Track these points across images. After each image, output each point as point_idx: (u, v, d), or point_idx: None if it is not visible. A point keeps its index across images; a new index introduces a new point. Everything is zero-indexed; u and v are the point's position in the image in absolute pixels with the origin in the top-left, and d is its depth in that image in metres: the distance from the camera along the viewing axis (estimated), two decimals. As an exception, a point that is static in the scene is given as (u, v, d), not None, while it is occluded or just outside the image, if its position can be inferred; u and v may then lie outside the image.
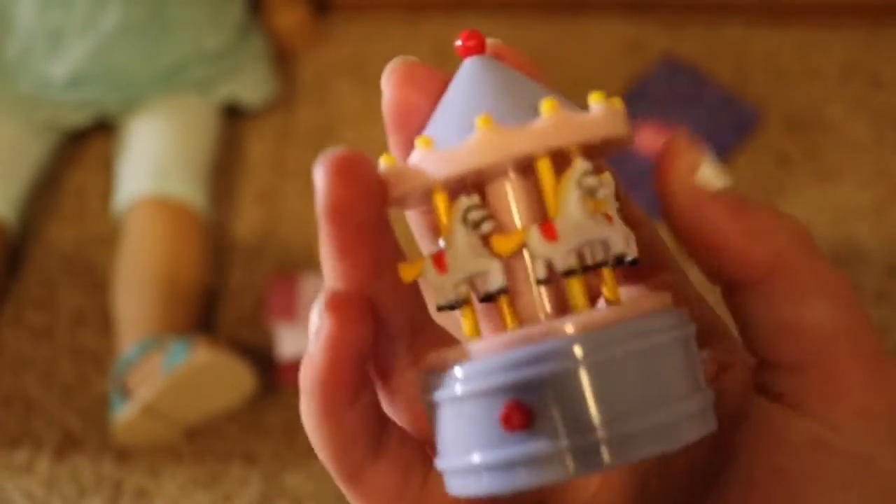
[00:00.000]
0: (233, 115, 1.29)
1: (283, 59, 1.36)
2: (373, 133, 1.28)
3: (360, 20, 1.40)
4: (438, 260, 0.23)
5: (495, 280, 0.23)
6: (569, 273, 0.22)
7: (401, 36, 1.37)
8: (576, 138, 0.22)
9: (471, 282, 0.23)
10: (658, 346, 0.22)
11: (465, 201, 0.23)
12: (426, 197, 0.24)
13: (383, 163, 0.25)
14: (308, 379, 0.23)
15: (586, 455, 0.21)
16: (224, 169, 1.25)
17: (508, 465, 0.21)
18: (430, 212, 0.25)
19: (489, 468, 0.22)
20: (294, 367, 1.05)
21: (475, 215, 0.23)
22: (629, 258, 0.23)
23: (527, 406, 0.21)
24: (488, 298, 0.23)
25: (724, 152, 1.23)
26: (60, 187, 1.24)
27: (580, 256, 0.23)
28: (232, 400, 1.02)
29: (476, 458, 0.22)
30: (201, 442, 1.03)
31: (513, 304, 0.23)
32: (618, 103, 0.23)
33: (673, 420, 0.21)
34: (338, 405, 0.23)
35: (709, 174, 0.24)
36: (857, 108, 1.28)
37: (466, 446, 0.22)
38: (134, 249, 1.10)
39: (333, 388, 0.23)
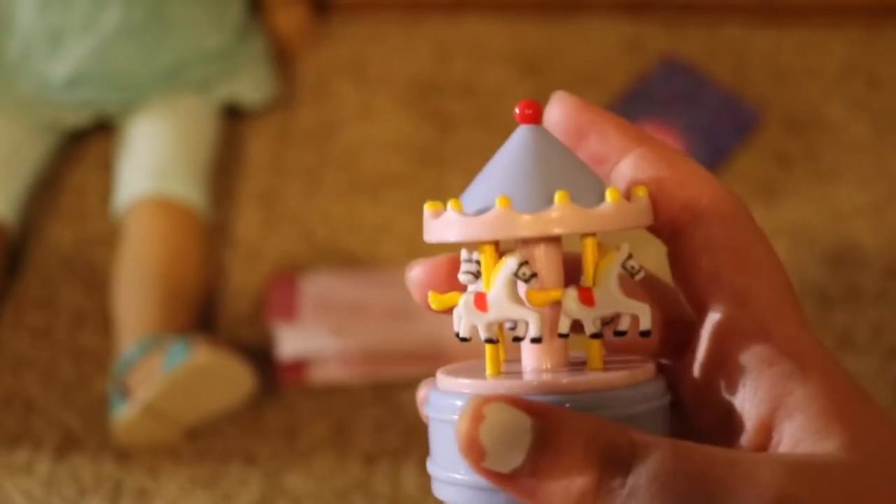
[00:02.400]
0: (233, 115, 1.29)
1: (283, 59, 1.35)
2: (373, 133, 1.28)
3: (360, 20, 1.40)
4: (479, 300, 0.27)
5: (534, 329, 0.26)
6: (594, 336, 0.27)
7: (401, 36, 1.37)
8: (626, 225, 0.26)
9: (502, 325, 0.27)
10: (639, 414, 0.25)
11: (517, 258, 0.26)
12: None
13: (429, 208, 0.28)
14: None
15: None
16: (224, 169, 1.25)
17: (483, 489, 0.24)
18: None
19: (469, 486, 0.25)
20: (294, 367, 1.05)
21: (525, 271, 0.26)
22: (645, 328, 0.27)
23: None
24: (517, 338, 0.27)
25: (724, 152, 1.24)
26: (60, 187, 1.24)
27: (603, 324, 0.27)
28: (232, 400, 1.02)
29: (460, 475, 0.25)
30: (201, 442, 1.03)
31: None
32: (643, 193, 0.27)
33: None
34: None
35: None
36: (856, 109, 1.28)
37: (453, 463, 0.25)
38: (134, 249, 1.10)
39: None
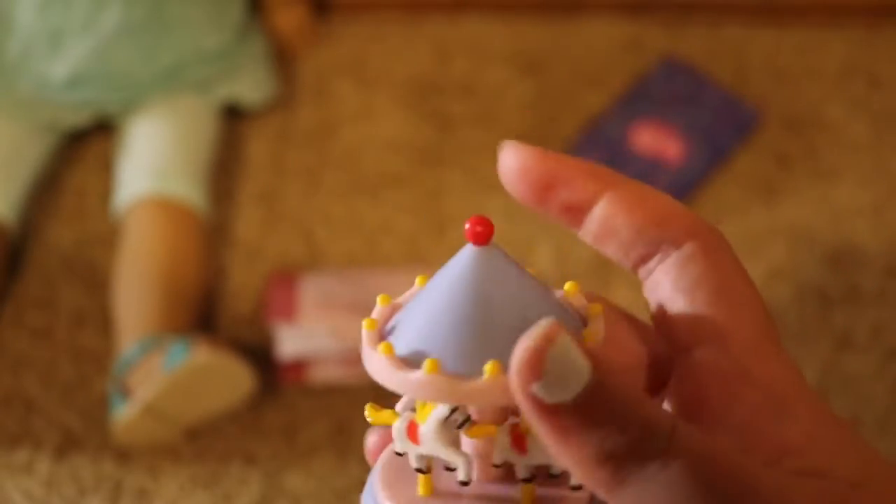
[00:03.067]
0: (233, 115, 1.29)
1: (283, 59, 1.35)
2: (373, 133, 1.28)
3: (360, 20, 1.40)
4: (411, 430, 0.27)
5: (462, 473, 0.27)
6: (525, 480, 0.27)
7: (401, 36, 1.37)
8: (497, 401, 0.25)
9: (434, 459, 0.27)
10: None
11: (448, 405, 0.26)
12: None
13: (365, 328, 0.29)
14: None
15: None
16: (224, 169, 1.25)
17: None
18: None
19: None
20: (294, 367, 1.06)
21: (458, 418, 0.26)
22: (574, 485, 0.27)
23: None
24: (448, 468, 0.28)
25: (724, 152, 1.24)
26: (60, 187, 1.24)
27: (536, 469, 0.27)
28: (232, 400, 1.02)
29: None
30: (201, 442, 1.03)
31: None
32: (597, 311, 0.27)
33: None
34: None
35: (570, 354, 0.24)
36: (856, 109, 1.28)
37: None
38: (134, 249, 1.10)
39: None
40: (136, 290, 1.06)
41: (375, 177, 1.24)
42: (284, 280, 1.11)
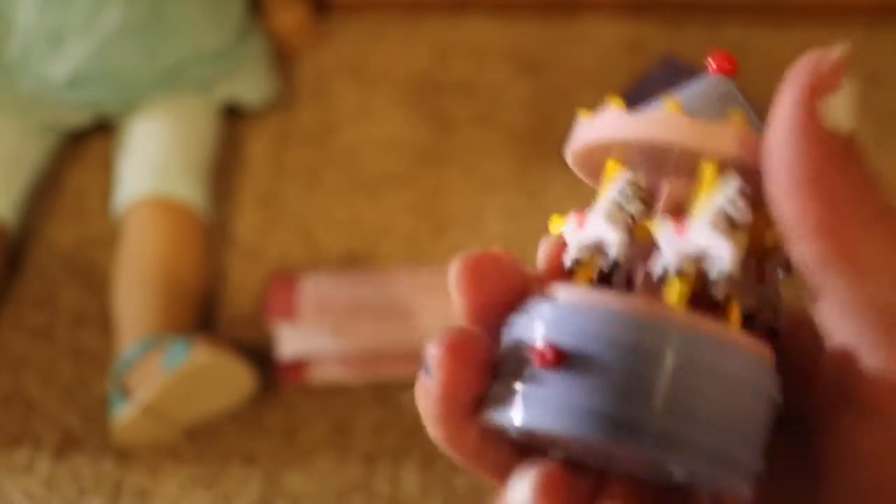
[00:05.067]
0: (233, 115, 1.29)
1: (283, 59, 1.36)
2: (373, 133, 1.28)
3: (360, 20, 1.40)
4: (580, 216, 0.24)
5: (612, 250, 0.23)
6: (679, 273, 0.22)
7: (401, 36, 1.37)
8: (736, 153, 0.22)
9: (598, 248, 0.23)
10: (749, 388, 0.21)
11: (628, 175, 0.23)
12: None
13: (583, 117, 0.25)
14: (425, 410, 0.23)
15: (626, 428, 0.21)
16: (224, 169, 1.25)
17: (547, 403, 0.21)
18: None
19: (527, 399, 0.22)
20: (294, 367, 1.05)
21: (630, 190, 0.23)
22: (722, 270, 0.22)
23: (561, 350, 0.21)
24: (604, 278, 0.24)
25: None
26: (60, 187, 1.24)
27: (698, 267, 0.22)
28: (232, 400, 1.02)
29: (518, 386, 0.22)
30: (201, 442, 1.03)
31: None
32: None
33: (725, 457, 0.21)
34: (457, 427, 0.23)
35: (842, 111, 0.21)
36: (856, 108, 1.28)
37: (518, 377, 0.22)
38: (134, 250, 1.10)
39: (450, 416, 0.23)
40: (135, 289, 1.06)
41: (375, 177, 1.24)
42: (284, 280, 1.11)
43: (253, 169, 1.26)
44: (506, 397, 0.22)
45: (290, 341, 1.05)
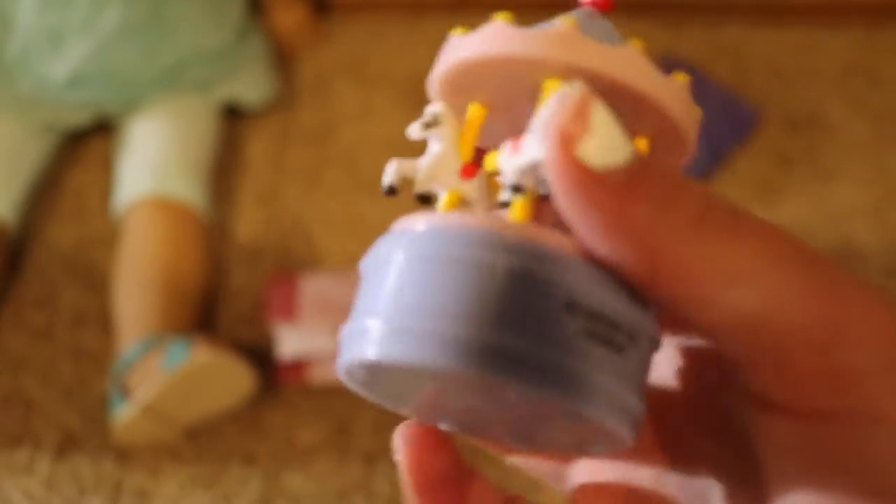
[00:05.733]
0: (233, 115, 1.29)
1: (283, 59, 1.36)
2: (373, 133, 1.28)
3: (360, 20, 1.40)
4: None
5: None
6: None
7: (401, 36, 1.37)
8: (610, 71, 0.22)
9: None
10: (485, 266, 0.20)
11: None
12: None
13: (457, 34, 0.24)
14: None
15: (359, 339, 0.22)
16: (224, 169, 1.25)
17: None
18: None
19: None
20: (294, 367, 1.05)
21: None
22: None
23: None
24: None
25: (724, 152, 1.24)
26: (60, 187, 1.24)
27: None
28: (232, 400, 1.02)
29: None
30: (201, 442, 1.03)
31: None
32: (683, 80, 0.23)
33: (447, 338, 0.20)
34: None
35: (605, 142, 0.19)
36: (856, 109, 1.28)
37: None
38: (134, 250, 1.10)
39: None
40: (135, 289, 1.06)
41: (375, 177, 1.24)
42: (284, 280, 1.11)
43: (253, 169, 1.26)
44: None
45: (290, 341, 1.05)
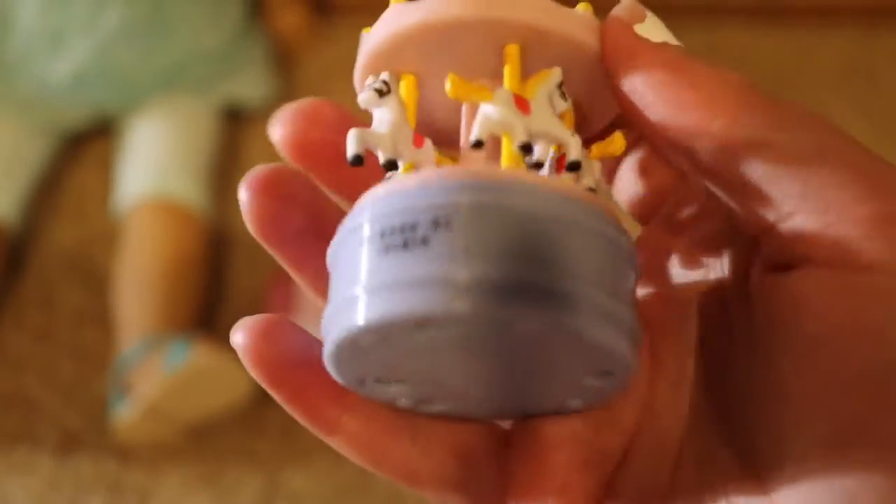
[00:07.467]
0: (233, 116, 1.29)
1: (283, 60, 1.36)
2: (373, 133, 1.28)
3: (360, 20, 1.39)
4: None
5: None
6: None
7: (401, 36, 1.37)
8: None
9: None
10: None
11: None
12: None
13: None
14: None
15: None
16: (224, 169, 1.25)
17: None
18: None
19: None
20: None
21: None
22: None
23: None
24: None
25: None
26: (60, 187, 1.24)
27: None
28: (232, 400, 1.02)
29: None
30: (202, 441, 1.03)
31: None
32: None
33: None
34: None
35: (654, 30, 0.23)
36: (856, 109, 1.28)
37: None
38: (134, 249, 1.10)
39: None
40: (136, 289, 1.06)
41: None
42: (284, 280, 1.11)
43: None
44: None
45: (291, 341, 1.05)
